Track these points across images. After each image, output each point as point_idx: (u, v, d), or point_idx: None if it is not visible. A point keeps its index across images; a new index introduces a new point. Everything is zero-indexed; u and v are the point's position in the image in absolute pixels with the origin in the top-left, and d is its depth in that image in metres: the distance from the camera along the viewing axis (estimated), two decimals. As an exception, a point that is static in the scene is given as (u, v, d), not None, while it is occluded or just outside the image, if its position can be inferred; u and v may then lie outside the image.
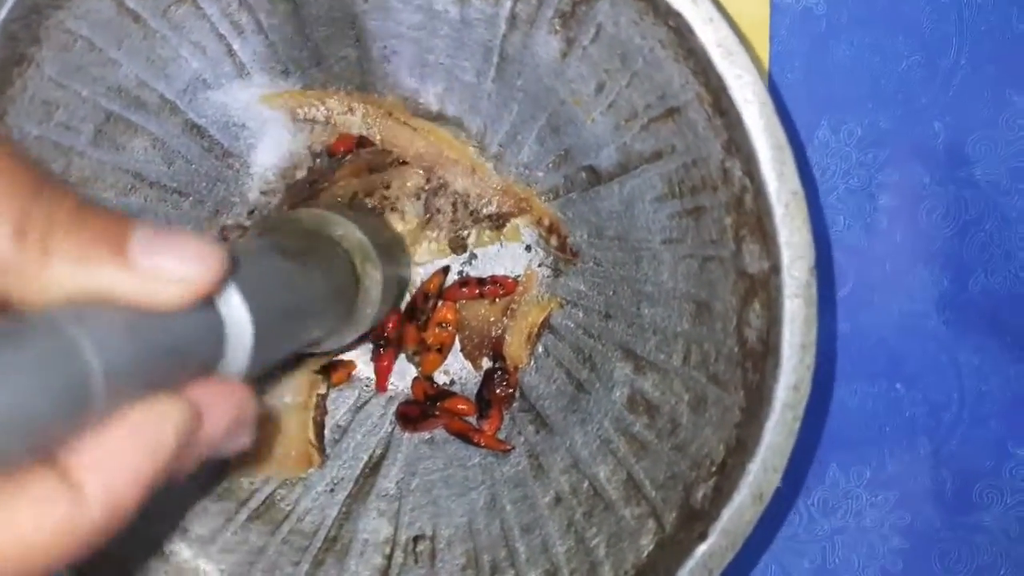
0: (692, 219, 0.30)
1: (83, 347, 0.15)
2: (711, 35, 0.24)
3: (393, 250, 0.35)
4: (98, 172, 0.34)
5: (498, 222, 0.38)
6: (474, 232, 0.38)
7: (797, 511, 0.40)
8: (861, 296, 0.40)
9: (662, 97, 0.28)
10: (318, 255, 0.29)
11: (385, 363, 0.39)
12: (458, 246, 0.38)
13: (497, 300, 0.38)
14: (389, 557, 0.36)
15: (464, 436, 0.37)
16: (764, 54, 0.40)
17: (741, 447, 0.27)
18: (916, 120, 0.40)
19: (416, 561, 0.35)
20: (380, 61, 0.36)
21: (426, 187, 0.37)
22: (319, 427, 0.38)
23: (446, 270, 0.38)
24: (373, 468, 0.38)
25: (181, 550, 0.34)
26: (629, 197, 0.33)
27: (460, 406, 0.38)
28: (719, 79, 0.24)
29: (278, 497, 0.37)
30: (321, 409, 0.38)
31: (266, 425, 0.37)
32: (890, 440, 0.40)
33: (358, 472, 0.38)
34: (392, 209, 0.38)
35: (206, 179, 0.37)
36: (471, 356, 0.39)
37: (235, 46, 0.34)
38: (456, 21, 0.33)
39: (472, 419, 0.38)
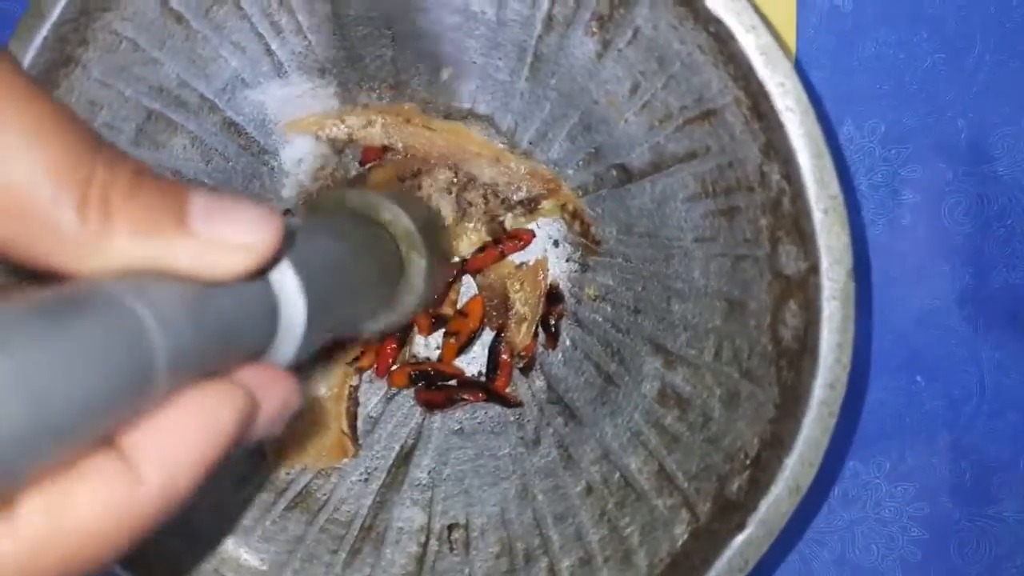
0: (725, 219, 0.31)
1: (148, 324, 0.14)
2: (753, 42, 0.25)
3: (438, 239, 0.35)
4: (139, 169, 0.35)
5: (530, 206, 0.38)
6: (509, 217, 0.39)
7: (818, 502, 0.41)
8: (883, 290, 0.41)
9: (699, 100, 0.29)
10: (366, 238, 0.29)
11: (388, 348, 0.39)
12: (497, 231, 0.39)
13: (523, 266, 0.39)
14: (424, 545, 0.37)
15: (478, 389, 0.39)
16: (791, 51, 0.40)
17: (776, 441, 0.28)
18: (940, 116, 0.40)
19: (451, 549, 0.36)
20: (414, 60, 0.36)
21: (455, 181, 0.38)
22: (352, 417, 0.39)
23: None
24: (405, 457, 0.39)
25: (224, 539, 0.35)
26: (661, 195, 0.34)
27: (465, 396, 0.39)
28: (760, 86, 0.25)
29: (314, 487, 0.38)
30: (353, 400, 0.39)
31: (302, 416, 0.38)
32: (910, 432, 0.40)
33: (391, 462, 0.39)
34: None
35: (242, 176, 0.38)
36: (494, 322, 0.39)
37: (274, 46, 0.35)
38: (492, 22, 0.34)
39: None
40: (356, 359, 0.39)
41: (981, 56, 0.40)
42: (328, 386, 0.39)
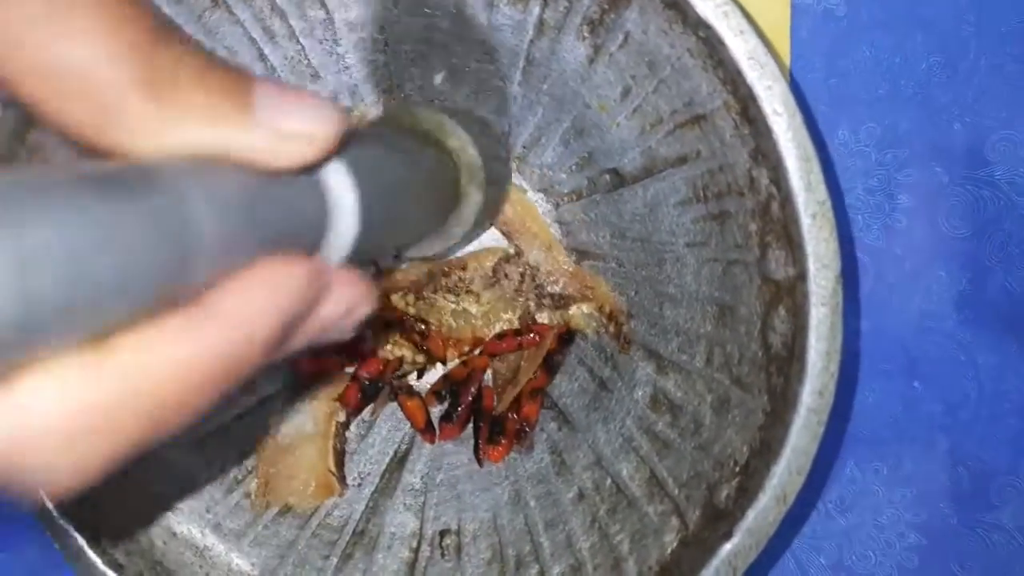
0: (717, 223, 0.31)
1: (192, 202, 0.15)
2: (741, 46, 0.25)
3: (497, 173, 0.34)
4: (131, 174, 0.35)
5: (560, 302, 0.38)
6: (541, 313, 0.38)
7: (814, 508, 0.41)
8: (879, 295, 0.40)
9: (689, 104, 0.29)
10: (428, 159, 0.28)
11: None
12: (524, 319, 0.38)
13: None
14: (416, 551, 0.36)
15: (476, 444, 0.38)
16: (784, 55, 0.40)
17: (765, 449, 0.27)
18: (935, 120, 0.40)
19: (443, 555, 0.36)
20: (408, 65, 0.36)
21: (506, 260, 0.38)
22: (339, 455, 0.38)
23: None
24: (399, 463, 0.39)
25: (214, 544, 0.35)
26: (653, 200, 0.34)
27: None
28: (748, 89, 0.25)
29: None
30: (341, 437, 0.38)
31: (285, 456, 0.37)
32: (907, 438, 0.40)
33: (384, 467, 0.39)
34: (467, 291, 0.38)
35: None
36: (500, 392, 0.39)
37: (266, 51, 0.35)
38: (484, 26, 0.34)
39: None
40: (342, 395, 0.38)
41: (977, 60, 0.40)
42: (314, 422, 0.38)
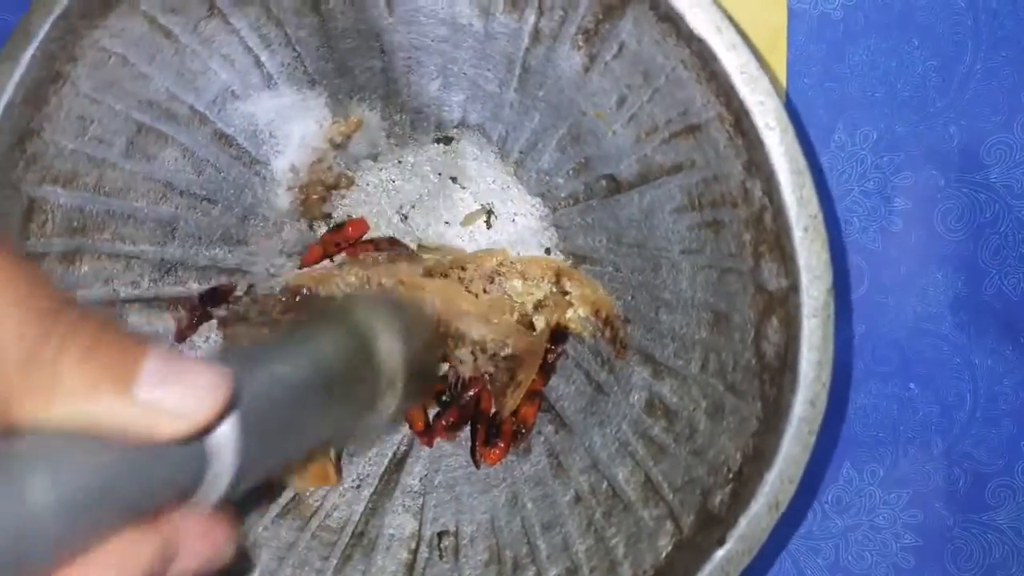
0: (711, 231, 0.31)
1: (31, 487, 0.15)
2: (734, 61, 0.25)
3: (424, 377, 0.33)
4: (130, 183, 0.35)
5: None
6: (539, 316, 0.38)
7: (811, 509, 0.41)
8: (876, 298, 0.41)
9: (683, 114, 0.29)
10: (342, 374, 0.26)
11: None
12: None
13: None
14: (414, 552, 0.37)
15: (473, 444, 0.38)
16: (782, 59, 0.40)
17: (758, 456, 0.28)
18: (931, 124, 0.40)
19: (441, 556, 0.36)
20: (404, 71, 0.37)
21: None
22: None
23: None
24: (397, 465, 0.39)
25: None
26: (648, 207, 0.34)
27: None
28: (741, 103, 0.25)
29: (306, 493, 0.38)
30: None
31: None
32: (904, 439, 0.41)
33: (383, 469, 0.39)
34: (466, 291, 0.38)
35: (234, 186, 0.38)
36: (498, 395, 0.39)
37: (263, 58, 0.35)
38: (480, 34, 0.34)
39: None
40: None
41: (972, 64, 0.40)
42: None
